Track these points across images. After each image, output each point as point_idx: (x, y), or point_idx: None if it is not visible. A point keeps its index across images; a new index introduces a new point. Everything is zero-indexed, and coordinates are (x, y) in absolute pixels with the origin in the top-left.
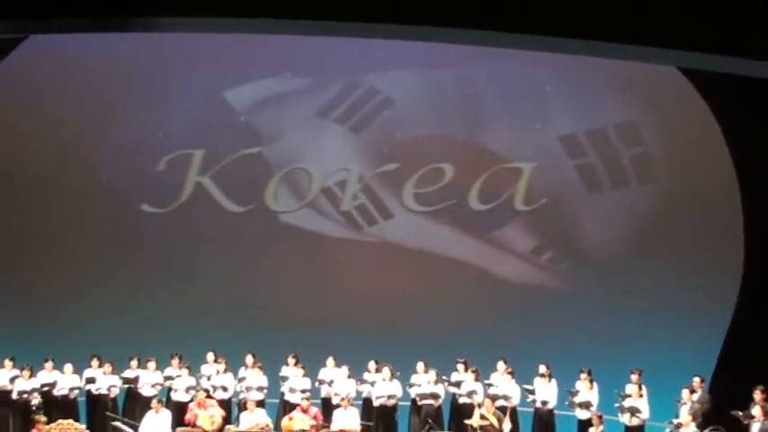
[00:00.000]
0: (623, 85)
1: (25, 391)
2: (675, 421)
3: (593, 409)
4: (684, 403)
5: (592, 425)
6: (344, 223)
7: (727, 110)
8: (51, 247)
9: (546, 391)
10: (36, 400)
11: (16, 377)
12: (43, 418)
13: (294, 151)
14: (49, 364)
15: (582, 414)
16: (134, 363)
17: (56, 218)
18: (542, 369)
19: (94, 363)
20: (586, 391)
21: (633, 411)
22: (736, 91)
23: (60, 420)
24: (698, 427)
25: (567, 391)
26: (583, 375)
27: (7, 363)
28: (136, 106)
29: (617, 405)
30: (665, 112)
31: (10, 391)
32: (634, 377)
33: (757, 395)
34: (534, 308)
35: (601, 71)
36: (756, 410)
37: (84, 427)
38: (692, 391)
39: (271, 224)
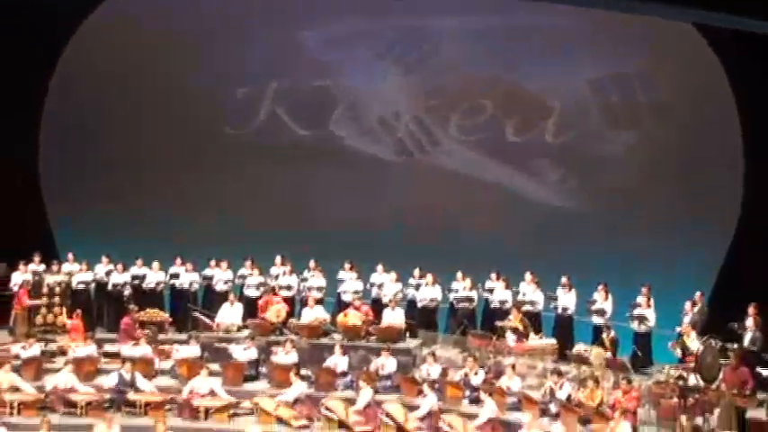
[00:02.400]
0: (644, 37)
1: (119, 284)
2: (678, 329)
3: (607, 316)
4: (686, 314)
5: (606, 330)
6: (398, 149)
7: (736, 65)
8: (148, 160)
9: (566, 299)
10: (128, 291)
11: (111, 271)
12: (134, 307)
13: (356, 86)
14: (139, 261)
15: (597, 320)
16: (212, 262)
17: (152, 136)
18: (564, 280)
19: (178, 261)
20: (602, 300)
21: (641, 319)
22: (746, 47)
23: (148, 309)
24: (698, 335)
25: (585, 301)
26: (600, 287)
27: (104, 259)
28: (221, 46)
29: (628, 314)
30: (680, 63)
31: (106, 284)
32: (644, 290)
33: (751, 310)
34: (559, 227)
35: (624, 24)
36: (749, 322)
37: (168, 315)
38: (694, 304)
39: (334, 147)
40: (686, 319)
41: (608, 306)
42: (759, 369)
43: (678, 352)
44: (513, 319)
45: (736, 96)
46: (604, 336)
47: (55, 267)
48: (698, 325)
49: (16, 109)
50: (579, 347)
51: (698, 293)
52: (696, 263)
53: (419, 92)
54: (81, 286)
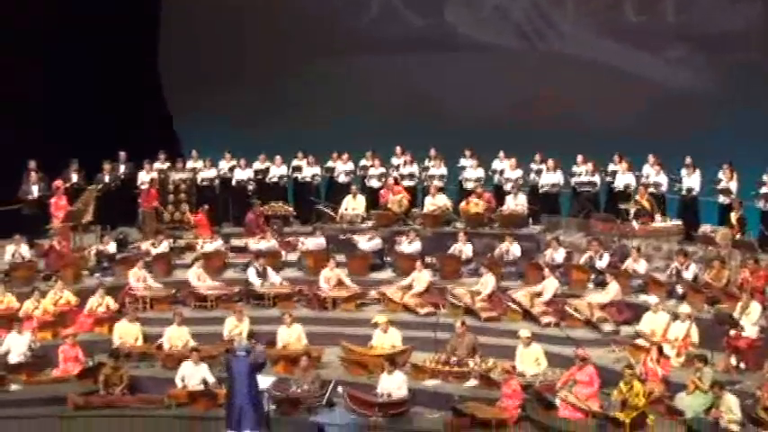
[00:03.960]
0: None
1: (242, 179)
2: None
3: (733, 196)
4: None
5: (732, 209)
6: (515, 35)
7: None
8: (265, 56)
9: (691, 180)
10: (251, 186)
11: (234, 167)
12: (258, 202)
13: None
14: (262, 156)
15: (723, 200)
16: (334, 155)
17: (268, 36)
18: (687, 160)
19: (300, 155)
20: (727, 180)
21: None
22: None
23: (272, 203)
24: None
25: (710, 181)
26: (725, 166)
27: (227, 155)
28: None
29: (754, 192)
30: None
31: (230, 179)
32: None
33: None
34: (680, 106)
35: None
36: None
37: (292, 208)
38: None
39: (449, 36)
40: None
41: (733, 185)
42: None
43: None
44: (640, 199)
45: None
46: (731, 215)
47: (179, 165)
48: None
49: (135, 15)
50: (705, 228)
51: None
52: None
53: None
54: (205, 183)
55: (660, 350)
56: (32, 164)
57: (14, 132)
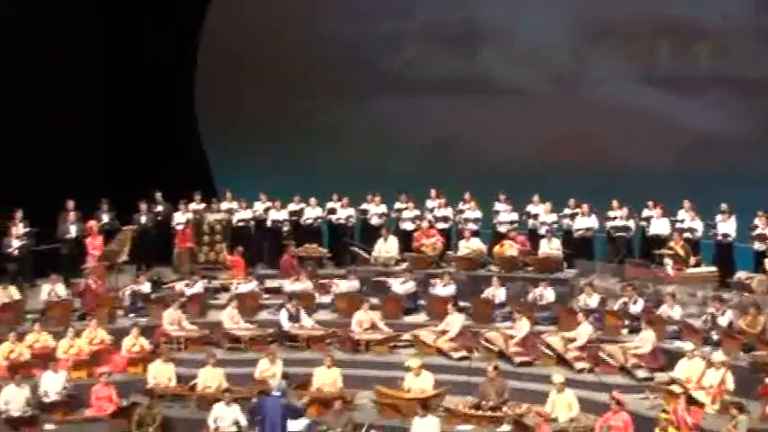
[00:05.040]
0: None
1: (277, 220)
2: None
3: None
4: None
5: (767, 255)
6: (549, 79)
7: None
8: (300, 100)
9: (726, 226)
10: (286, 227)
11: (269, 208)
12: (293, 243)
13: (503, 17)
14: (296, 198)
15: (759, 246)
16: (368, 197)
17: (303, 78)
18: (723, 206)
19: (334, 197)
20: (763, 226)
21: None
22: None
23: (306, 245)
24: None
25: (746, 227)
26: (760, 213)
27: (262, 196)
28: None
29: None
30: None
31: (264, 220)
32: None
33: None
34: (715, 152)
35: None
36: None
37: (326, 250)
38: None
39: (482, 78)
40: None
41: None
42: None
43: None
44: (675, 245)
45: None
46: (767, 261)
47: (215, 206)
48: None
49: (172, 58)
50: (740, 274)
51: None
52: None
53: (565, 20)
54: (241, 223)
55: (689, 398)
56: (70, 204)
57: (53, 172)
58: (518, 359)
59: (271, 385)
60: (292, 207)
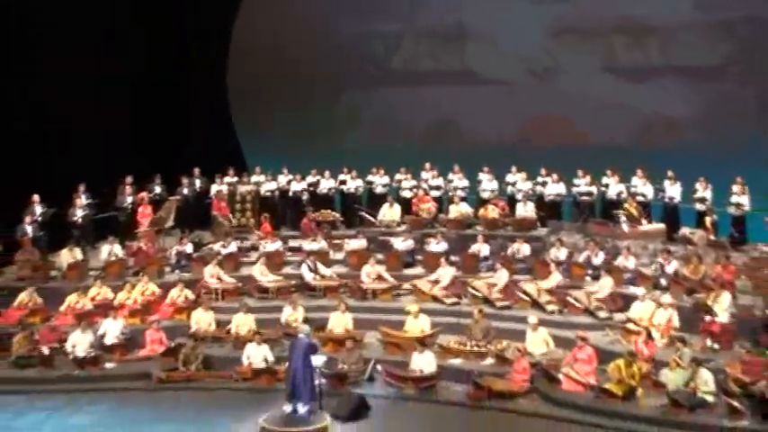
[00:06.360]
0: None
1: (298, 191)
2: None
3: (708, 203)
4: None
5: (707, 215)
6: (526, 71)
7: None
8: (318, 88)
9: (673, 190)
10: (305, 196)
11: (291, 180)
12: (311, 209)
13: (486, 20)
14: (313, 171)
15: (699, 207)
16: (373, 170)
17: (319, 69)
18: (670, 174)
19: (345, 170)
20: (702, 190)
21: (737, 205)
22: None
23: (322, 210)
24: None
25: (688, 191)
26: (701, 179)
27: (284, 170)
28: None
29: (727, 199)
30: None
31: (287, 191)
32: (739, 179)
33: None
34: (666, 129)
35: None
36: None
37: (339, 215)
38: None
39: (469, 73)
40: None
41: (708, 195)
42: None
43: None
44: (629, 207)
45: None
46: (707, 219)
47: (245, 179)
48: None
49: (210, 58)
50: (684, 230)
51: None
52: None
53: (537, 22)
54: (267, 194)
55: (648, 334)
56: (128, 179)
57: (110, 152)
58: (499, 303)
59: (298, 330)
60: (310, 179)
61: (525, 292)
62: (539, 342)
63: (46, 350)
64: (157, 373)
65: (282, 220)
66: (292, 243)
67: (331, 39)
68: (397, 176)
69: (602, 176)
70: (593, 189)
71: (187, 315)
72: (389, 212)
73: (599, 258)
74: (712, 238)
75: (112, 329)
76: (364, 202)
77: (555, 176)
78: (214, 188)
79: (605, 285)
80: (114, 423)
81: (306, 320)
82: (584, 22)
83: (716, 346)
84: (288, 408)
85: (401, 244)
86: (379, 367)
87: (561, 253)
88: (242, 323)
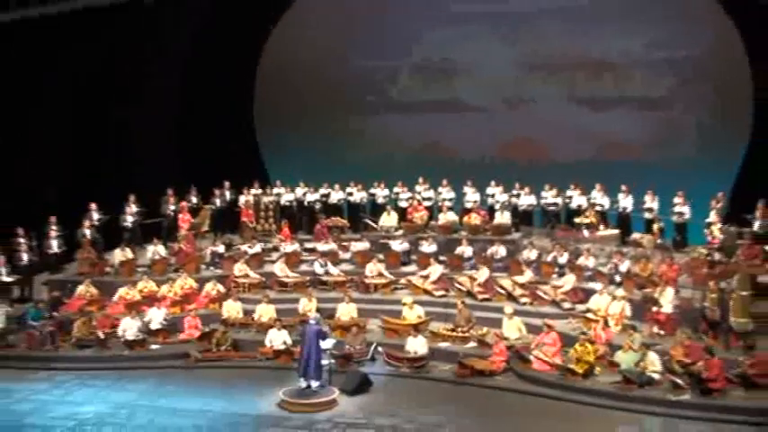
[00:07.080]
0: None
1: (312, 201)
2: (707, 220)
3: (655, 213)
4: (713, 209)
5: (654, 222)
6: (502, 100)
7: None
8: (331, 115)
9: (625, 202)
10: (318, 206)
11: (306, 192)
12: (323, 216)
13: (469, 57)
14: (325, 184)
15: (647, 216)
16: (375, 183)
17: (333, 98)
18: (623, 188)
19: (352, 183)
20: (650, 201)
21: (680, 214)
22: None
23: (333, 217)
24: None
25: (639, 202)
26: (649, 191)
27: (301, 183)
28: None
29: (670, 210)
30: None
31: (303, 201)
32: (680, 192)
33: (759, 204)
34: (621, 150)
35: None
36: (758, 214)
37: (346, 221)
38: (718, 201)
39: (455, 101)
40: (713, 213)
41: (655, 205)
42: (766, 247)
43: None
44: (589, 215)
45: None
46: (654, 226)
47: (268, 191)
48: (721, 215)
49: (238, 88)
50: (635, 235)
51: (720, 193)
52: (719, 168)
53: (510, 58)
54: (287, 203)
55: (606, 322)
56: (170, 191)
57: (155, 168)
58: (480, 296)
59: (309, 317)
60: (322, 191)
61: (502, 287)
62: (513, 329)
63: (101, 334)
64: (194, 353)
65: (299, 225)
66: (307, 245)
67: (340, 72)
68: (395, 189)
69: (567, 190)
70: (559, 200)
71: (219, 305)
72: (388, 219)
73: (564, 258)
74: (659, 241)
75: (157, 317)
76: (368, 210)
77: (527, 189)
78: (242, 199)
79: (569, 281)
80: (158, 396)
81: (318, 310)
82: (551, 59)
83: (662, 332)
84: (303, 383)
85: (398, 246)
86: (380, 349)
87: (532, 254)
88: (265, 312)
